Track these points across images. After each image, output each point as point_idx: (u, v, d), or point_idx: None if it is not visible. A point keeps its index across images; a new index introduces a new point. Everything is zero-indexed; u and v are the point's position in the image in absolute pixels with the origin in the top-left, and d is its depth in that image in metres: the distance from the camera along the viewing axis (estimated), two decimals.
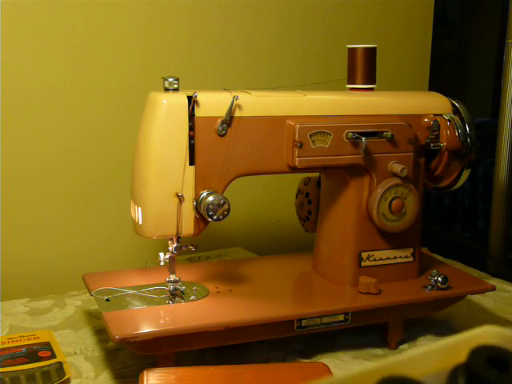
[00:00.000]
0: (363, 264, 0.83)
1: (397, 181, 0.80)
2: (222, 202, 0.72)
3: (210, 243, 1.10)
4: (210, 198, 0.72)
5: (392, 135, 0.79)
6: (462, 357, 0.33)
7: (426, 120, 0.84)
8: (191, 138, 0.72)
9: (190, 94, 0.72)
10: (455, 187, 0.88)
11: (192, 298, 0.77)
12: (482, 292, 0.88)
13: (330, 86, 0.87)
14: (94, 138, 1.04)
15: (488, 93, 2.65)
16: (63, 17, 0.99)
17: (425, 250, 1.02)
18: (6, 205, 1.00)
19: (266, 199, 1.22)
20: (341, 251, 0.84)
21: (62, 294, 0.99)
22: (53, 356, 0.76)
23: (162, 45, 1.07)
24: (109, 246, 1.08)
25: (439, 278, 0.81)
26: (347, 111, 0.80)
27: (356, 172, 0.81)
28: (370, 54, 0.85)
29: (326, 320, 0.77)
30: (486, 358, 0.32)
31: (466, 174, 0.86)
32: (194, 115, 0.72)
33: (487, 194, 1.54)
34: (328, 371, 0.64)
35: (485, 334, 0.35)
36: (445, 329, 0.88)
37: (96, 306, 0.77)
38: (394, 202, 0.80)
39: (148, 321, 0.70)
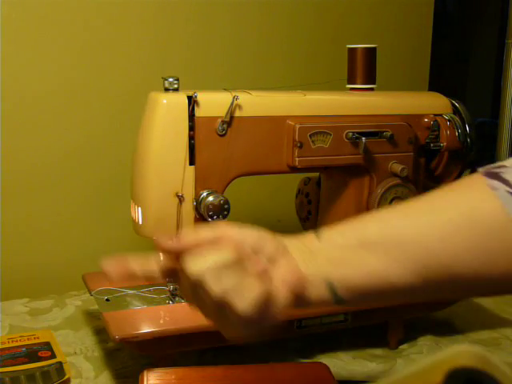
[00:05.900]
0: None
1: (397, 181, 0.80)
2: (221, 202, 0.72)
3: None
4: (210, 198, 0.72)
5: (392, 135, 0.79)
6: (437, 380, 0.32)
7: (425, 120, 0.84)
8: (191, 138, 0.72)
9: (190, 94, 0.71)
10: None
11: None
12: None
13: (330, 86, 0.87)
14: (93, 138, 1.04)
15: (488, 93, 2.65)
16: (64, 17, 0.99)
17: None
18: (6, 205, 1.00)
19: (266, 199, 1.22)
20: None
21: (62, 293, 0.99)
22: (53, 356, 0.76)
23: (163, 45, 1.07)
24: (109, 246, 1.08)
25: None
26: (347, 111, 0.80)
27: (356, 172, 0.81)
28: (370, 54, 0.85)
29: (325, 320, 0.77)
30: (463, 382, 0.31)
31: (466, 174, 0.86)
32: (194, 115, 0.72)
33: None
34: (328, 371, 0.64)
35: (460, 356, 0.34)
36: (445, 329, 0.88)
37: (96, 306, 0.76)
38: (394, 201, 0.80)
39: (148, 321, 0.70)
